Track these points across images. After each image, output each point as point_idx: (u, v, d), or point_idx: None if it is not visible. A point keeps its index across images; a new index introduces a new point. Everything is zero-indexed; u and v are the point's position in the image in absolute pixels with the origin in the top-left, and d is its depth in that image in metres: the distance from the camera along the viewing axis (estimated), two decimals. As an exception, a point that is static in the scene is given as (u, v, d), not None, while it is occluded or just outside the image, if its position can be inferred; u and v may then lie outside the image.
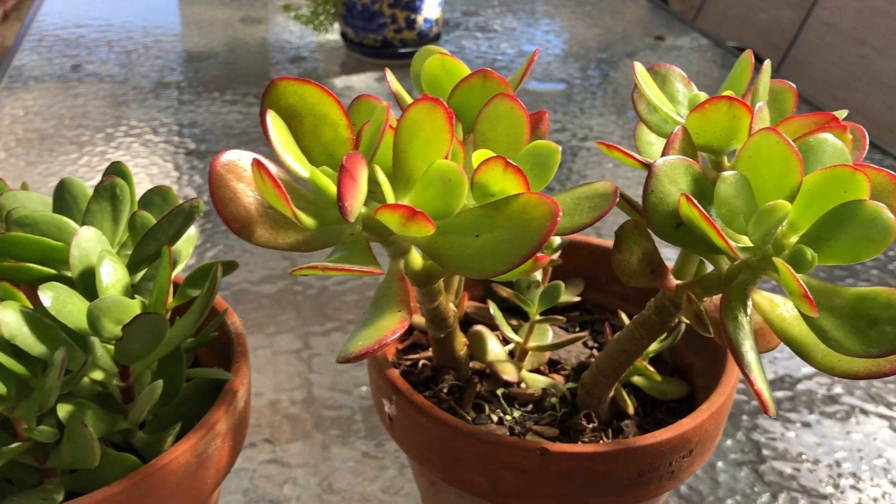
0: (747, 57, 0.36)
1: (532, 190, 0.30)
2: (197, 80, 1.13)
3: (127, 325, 0.31)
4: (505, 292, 0.45)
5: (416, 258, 0.33)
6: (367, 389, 0.63)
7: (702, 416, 0.37)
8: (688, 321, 0.34)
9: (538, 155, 0.31)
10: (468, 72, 0.36)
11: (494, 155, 0.29)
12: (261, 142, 0.98)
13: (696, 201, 0.28)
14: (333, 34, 1.28)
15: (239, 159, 0.31)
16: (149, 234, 0.37)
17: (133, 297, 0.35)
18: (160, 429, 0.36)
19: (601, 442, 0.39)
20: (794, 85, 0.37)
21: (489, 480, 0.37)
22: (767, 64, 0.34)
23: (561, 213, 0.29)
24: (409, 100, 0.36)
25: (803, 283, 0.27)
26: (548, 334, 0.45)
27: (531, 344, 0.44)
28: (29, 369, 0.32)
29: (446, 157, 0.29)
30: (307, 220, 0.28)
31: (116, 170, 0.40)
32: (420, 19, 1.16)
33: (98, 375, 0.35)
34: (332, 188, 0.28)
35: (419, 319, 0.47)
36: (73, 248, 0.35)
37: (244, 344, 0.40)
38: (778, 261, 0.28)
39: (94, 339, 0.33)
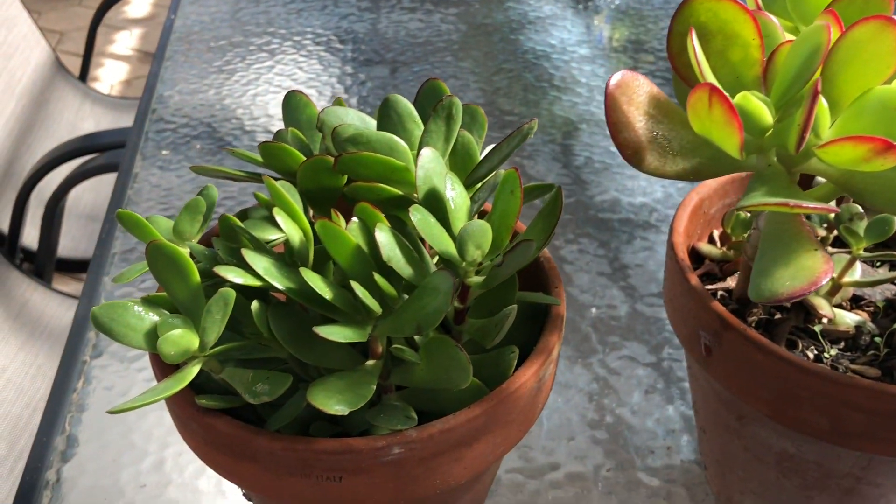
0: None
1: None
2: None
3: (508, 252, 0.31)
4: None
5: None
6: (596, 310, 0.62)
7: None
8: None
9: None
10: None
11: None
12: (447, 52, 0.96)
13: None
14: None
15: (631, 80, 0.29)
16: (487, 157, 0.36)
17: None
18: (495, 350, 0.36)
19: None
20: None
21: (830, 420, 0.35)
22: None
23: None
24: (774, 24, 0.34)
25: None
26: (857, 268, 0.43)
27: (846, 279, 0.42)
28: (396, 290, 0.32)
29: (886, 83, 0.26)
30: (732, 142, 0.26)
31: (436, 88, 0.39)
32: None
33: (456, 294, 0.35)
34: (767, 117, 0.26)
35: (709, 248, 0.45)
36: (418, 169, 0.34)
37: (556, 268, 0.40)
38: None
39: (461, 264, 0.33)
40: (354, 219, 0.33)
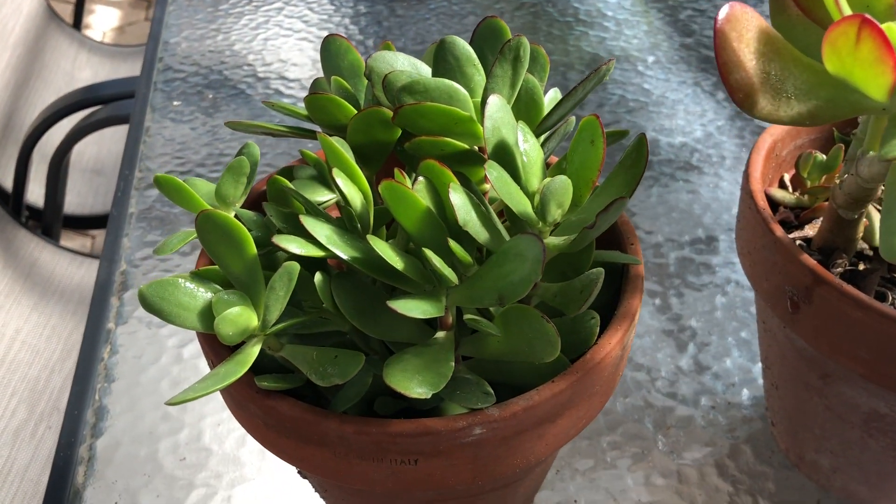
0: None
1: None
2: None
3: (602, 212, 0.28)
4: None
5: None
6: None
7: None
8: None
9: None
10: None
11: None
12: (464, -12, 0.91)
13: None
14: None
15: (741, 14, 0.26)
16: (561, 103, 0.33)
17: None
18: (577, 316, 0.33)
19: None
20: None
21: (937, 379, 0.33)
22: None
23: None
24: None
25: None
26: (947, 213, 0.40)
27: (939, 224, 0.38)
28: (472, 257, 0.29)
29: None
30: (879, 89, 0.22)
31: (496, 28, 0.35)
32: None
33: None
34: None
35: (783, 194, 0.42)
36: (485, 119, 0.31)
37: (630, 224, 0.37)
38: None
39: (538, 225, 0.30)
40: (420, 178, 0.30)
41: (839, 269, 0.38)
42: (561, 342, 0.32)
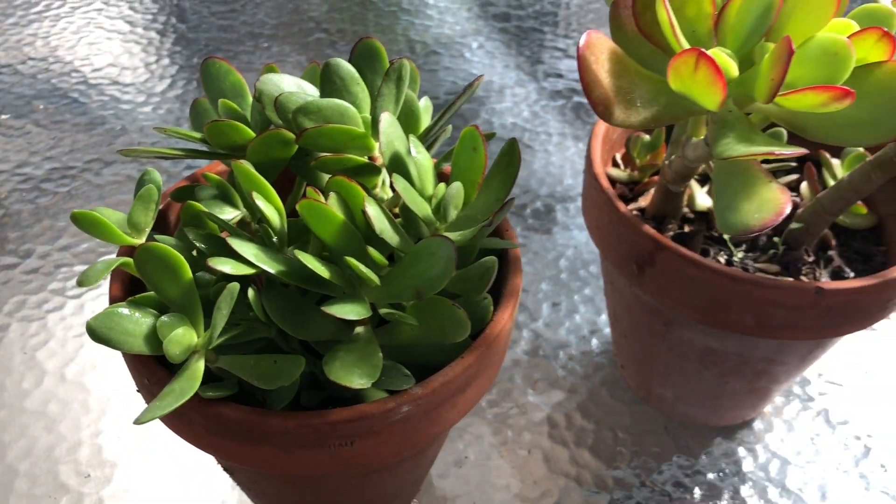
0: None
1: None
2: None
3: (497, 211, 0.33)
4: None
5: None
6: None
7: (936, 246, 0.41)
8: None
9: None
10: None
11: (871, 26, 0.30)
12: (287, -19, 0.93)
13: None
14: None
15: (596, 40, 0.31)
16: (442, 115, 0.37)
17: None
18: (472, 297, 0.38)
19: (815, 276, 0.43)
20: None
21: (756, 318, 0.41)
22: None
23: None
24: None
25: None
26: (747, 178, 0.48)
27: (743, 189, 0.47)
28: (385, 260, 0.33)
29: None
30: (711, 97, 0.29)
31: (373, 49, 0.39)
32: None
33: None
34: (733, 70, 0.29)
35: (618, 172, 0.49)
36: (381, 135, 0.35)
37: (507, 219, 0.42)
38: None
39: (436, 224, 0.34)
40: (332, 193, 0.33)
41: (670, 233, 0.45)
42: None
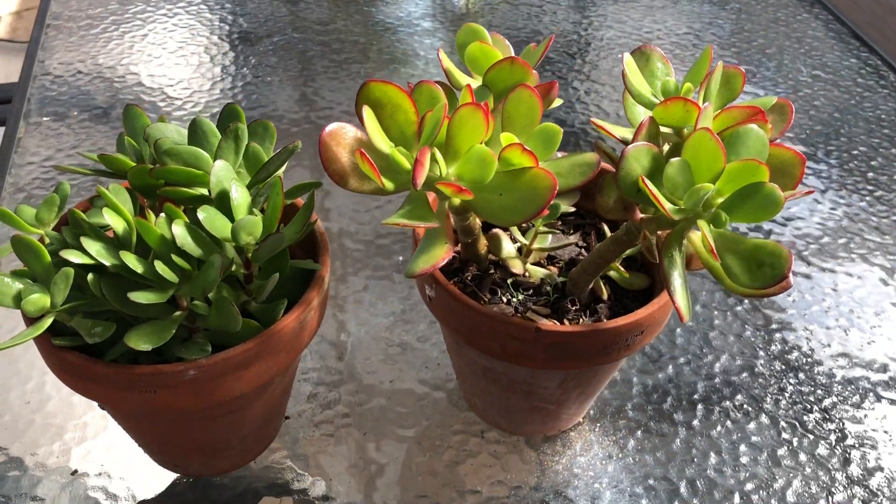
0: (707, 53, 0.48)
1: (541, 158, 0.44)
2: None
3: (262, 241, 0.46)
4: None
5: (456, 200, 0.47)
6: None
7: (651, 308, 0.52)
8: (643, 249, 0.49)
9: (547, 134, 0.45)
10: (500, 57, 0.49)
11: (516, 142, 0.42)
12: (310, 26, 1.09)
13: (648, 182, 0.42)
14: None
15: (339, 129, 0.44)
16: (263, 167, 0.51)
17: (255, 214, 0.50)
18: (270, 301, 0.52)
19: (580, 322, 0.55)
20: (742, 70, 0.50)
21: (499, 346, 0.53)
22: (720, 65, 0.47)
23: (558, 185, 0.43)
24: (456, 75, 0.49)
25: (712, 242, 0.41)
26: (548, 237, 0.60)
27: (535, 245, 0.58)
28: (190, 265, 0.47)
29: (482, 142, 0.42)
30: (388, 184, 0.42)
31: (233, 112, 0.53)
32: None
33: (232, 267, 0.50)
34: (406, 164, 0.42)
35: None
36: (212, 176, 0.49)
37: (326, 241, 0.55)
38: (701, 223, 0.42)
39: (231, 245, 0.48)
40: (162, 214, 0.48)
41: (469, 274, 0.58)
42: (263, 319, 0.51)
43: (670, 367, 0.70)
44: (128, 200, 0.50)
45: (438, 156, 0.42)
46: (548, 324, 0.51)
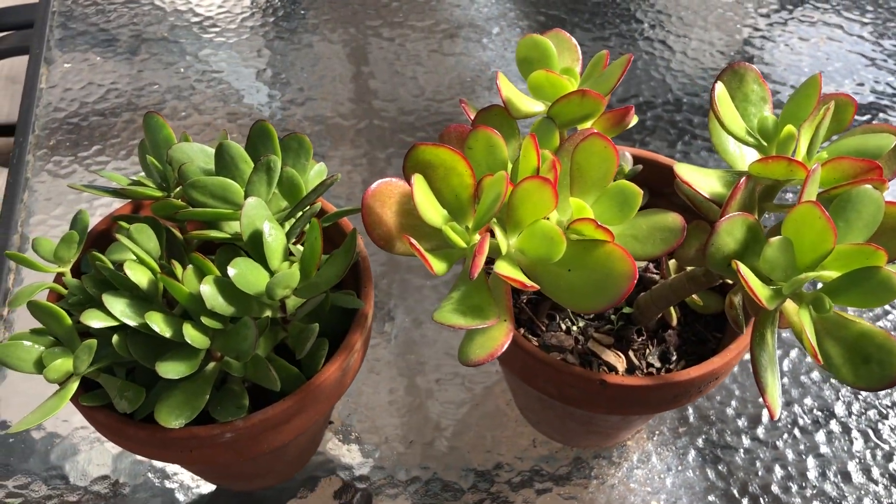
0: (815, 83, 0.41)
1: (616, 223, 0.38)
2: None
3: (307, 301, 0.42)
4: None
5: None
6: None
7: (728, 356, 0.47)
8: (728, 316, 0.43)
9: (624, 196, 0.39)
10: (569, 88, 0.42)
11: (588, 214, 0.37)
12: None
13: (743, 269, 0.36)
14: None
15: (385, 187, 0.39)
16: (300, 203, 0.46)
17: (291, 256, 0.45)
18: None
19: (647, 352, 0.50)
20: (854, 97, 0.42)
21: (557, 390, 0.48)
22: (830, 107, 0.40)
23: (635, 254, 0.37)
24: (517, 104, 0.43)
25: (811, 335, 0.36)
26: (612, 253, 0.54)
27: (598, 267, 0.53)
28: (221, 323, 0.43)
29: (547, 217, 0.37)
30: (439, 267, 0.36)
31: (263, 132, 0.47)
32: None
33: (268, 313, 0.45)
34: (461, 243, 0.36)
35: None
36: (243, 216, 0.44)
37: (369, 270, 0.50)
38: (801, 310, 0.37)
39: (269, 301, 0.44)
40: (190, 266, 0.43)
41: (524, 297, 0.53)
42: (300, 367, 0.47)
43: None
44: (152, 237, 0.46)
45: (497, 231, 0.37)
46: (615, 378, 0.46)
